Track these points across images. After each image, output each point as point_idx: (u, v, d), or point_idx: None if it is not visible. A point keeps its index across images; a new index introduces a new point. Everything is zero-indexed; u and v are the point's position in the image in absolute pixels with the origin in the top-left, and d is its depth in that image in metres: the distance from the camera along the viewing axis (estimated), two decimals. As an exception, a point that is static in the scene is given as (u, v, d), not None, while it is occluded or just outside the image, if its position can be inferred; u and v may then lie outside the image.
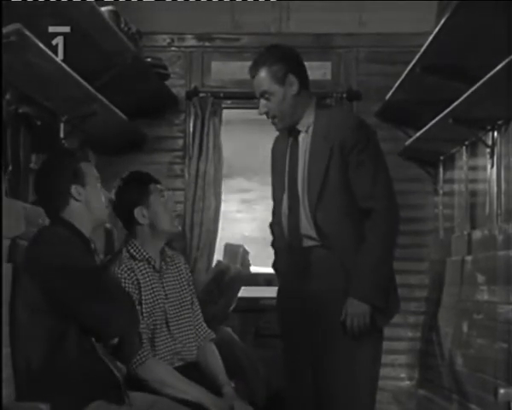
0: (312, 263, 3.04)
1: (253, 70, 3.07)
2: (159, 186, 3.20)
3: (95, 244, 2.72)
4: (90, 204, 2.67)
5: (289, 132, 3.14)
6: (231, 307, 4.17)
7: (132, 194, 3.12)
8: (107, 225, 3.80)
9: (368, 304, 2.92)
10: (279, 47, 3.14)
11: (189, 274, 3.30)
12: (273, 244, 3.31)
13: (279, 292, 3.28)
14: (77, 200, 2.64)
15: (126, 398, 2.58)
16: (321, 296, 3.02)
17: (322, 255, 3.02)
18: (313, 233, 3.01)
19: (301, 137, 3.09)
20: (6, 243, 2.58)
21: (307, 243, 3.05)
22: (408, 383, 4.54)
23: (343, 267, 2.98)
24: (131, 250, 3.10)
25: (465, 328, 3.57)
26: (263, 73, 3.03)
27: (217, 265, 4.21)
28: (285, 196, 3.12)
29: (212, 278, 4.07)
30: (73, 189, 2.63)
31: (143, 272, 3.06)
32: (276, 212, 3.24)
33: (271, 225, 3.32)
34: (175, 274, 3.21)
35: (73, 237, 2.58)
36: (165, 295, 3.10)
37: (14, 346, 2.51)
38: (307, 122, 3.08)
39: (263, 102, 3.06)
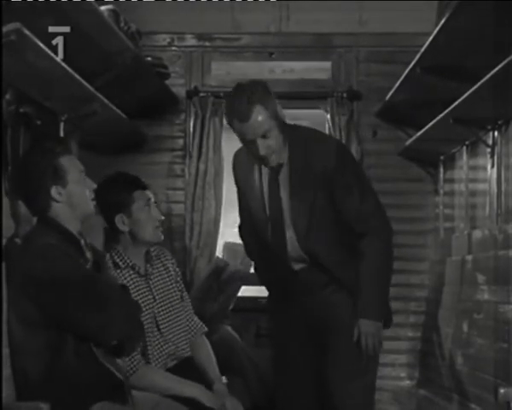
0: (303, 282, 3.04)
1: (247, 113, 2.81)
2: (147, 192, 3.11)
3: (85, 240, 2.65)
4: (73, 202, 2.58)
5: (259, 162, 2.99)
6: (231, 306, 4.17)
7: (114, 199, 3.03)
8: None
9: (380, 321, 2.97)
10: (258, 82, 2.96)
11: (177, 270, 3.27)
12: (247, 250, 3.32)
13: (271, 299, 3.27)
14: (58, 201, 2.56)
15: (130, 398, 2.57)
16: (319, 310, 3.04)
17: (314, 274, 3.02)
18: (303, 257, 3.01)
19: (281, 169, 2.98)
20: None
21: (296, 265, 3.04)
22: (408, 382, 4.54)
23: (337, 281, 2.99)
24: (115, 257, 3.04)
25: (465, 328, 3.57)
26: (261, 113, 2.82)
27: (214, 261, 4.21)
28: (268, 227, 3.04)
29: (210, 273, 4.06)
30: (53, 190, 2.55)
31: (128, 279, 3.02)
32: (250, 222, 3.15)
33: (242, 234, 3.29)
34: (162, 273, 3.17)
35: (61, 242, 2.51)
36: (154, 298, 3.08)
37: (13, 360, 2.47)
38: (284, 153, 2.96)
39: (262, 142, 2.84)
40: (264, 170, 3.02)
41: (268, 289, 3.29)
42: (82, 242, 2.62)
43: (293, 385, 3.15)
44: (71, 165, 2.61)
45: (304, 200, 2.94)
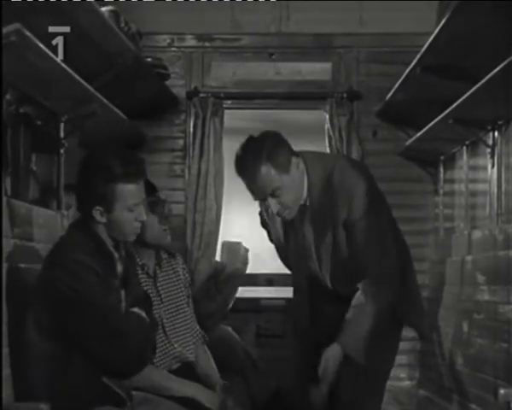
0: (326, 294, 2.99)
1: (253, 173, 2.67)
2: (157, 195, 3.11)
3: (120, 252, 2.57)
4: (114, 227, 2.47)
5: None
6: (229, 305, 4.16)
7: None
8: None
9: (345, 353, 2.81)
10: (268, 134, 2.78)
11: (187, 275, 3.29)
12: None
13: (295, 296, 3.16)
14: (98, 222, 2.47)
15: (128, 401, 2.57)
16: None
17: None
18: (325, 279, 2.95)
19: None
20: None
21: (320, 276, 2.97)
22: (408, 383, 4.54)
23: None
24: None
25: (465, 328, 3.57)
26: (269, 172, 2.65)
27: (213, 264, 4.22)
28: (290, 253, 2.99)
29: (209, 276, 4.07)
30: (95, 211, 2.44)
31: None
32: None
33: (264, 225, 3.16)
34: (171, 277, 3.19)
35: (93, 254, 2.43)
36: (161, 300, 3.10)
37: (18, 362, 2.47)
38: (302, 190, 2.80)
39: (274, 201, 2.70)
40: None
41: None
42: (116, 255, 2.54)
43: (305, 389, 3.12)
44: (126, 194, 2.45)
45: (327, 237, 2.81)
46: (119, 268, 2.56)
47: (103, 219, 2.46)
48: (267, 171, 2.65)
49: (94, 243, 2.47)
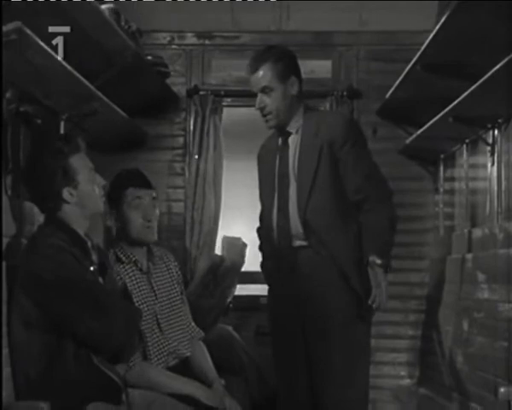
0: (302, 262, 3.07)
1: (254, 66, 3.11)
2: (141, 190, 3.11)
3: (92, 241, 2.65)
4: (83, 202, 2.59)
5: (278, 135, 3.19)
6: (229, 299, 4.16)
7: (109, 196, 3.05)
8: (108, 223, 3.78)
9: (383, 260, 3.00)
10: (280, 47, 3.24)
11: (179, 273, 3.29)
12: (261, 248, 3.37)
13: (270, 294, 3.31)
14: (69, 203, 2.56)
15: (125, 397, 2.57)
16: (312, 294, 3.05)
17: (311, 254, 3.05)
18: (302, 232, 3.05)
19: (291, 138, 3.15)
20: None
21: (296, 243, 3.09)
22: (408, 381, 4.54)
23: (334, 263, 3.01)
24: (118, 253, 3.06)
25: (465, 326, 3.58)
26: (265, 69, 3.08)
27: (211, 258, 4.22)
28: (275, 198, 3.15)
29: (207, 270, 4.06)
30: (65, 193, 2.55)
31: (130, 275, 3.03)
32: (263, 216, 3.29)
33: (258, 230, 3.39)
34: (164, 273, 3.18)
35: (68, 243, 2.49)
36: (155, 295, 3.09)
37: (12, 359, 2.47)
38: (297, 124, 3.15)
39: (261, 96, 3.11)
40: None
41: (267, 276, 3.33)
42: (89, 243, 2.61)
43: (289, 372, 3.18)
44: (81, 164, 2.60)
45: (308, 168, 3.06)
46: (94, 256, 2.62)
47: (74, 199, 2.56)
48: (264, 69, 3.09)
49: (66, 233, 2.53)
